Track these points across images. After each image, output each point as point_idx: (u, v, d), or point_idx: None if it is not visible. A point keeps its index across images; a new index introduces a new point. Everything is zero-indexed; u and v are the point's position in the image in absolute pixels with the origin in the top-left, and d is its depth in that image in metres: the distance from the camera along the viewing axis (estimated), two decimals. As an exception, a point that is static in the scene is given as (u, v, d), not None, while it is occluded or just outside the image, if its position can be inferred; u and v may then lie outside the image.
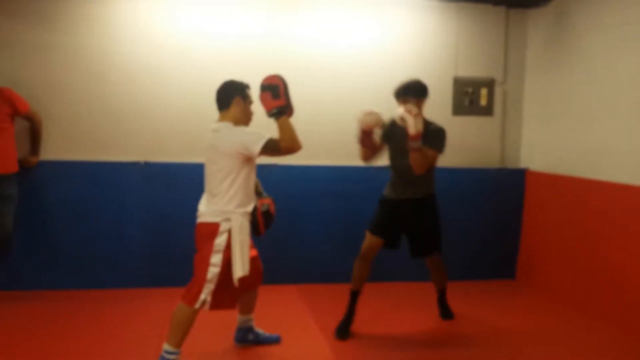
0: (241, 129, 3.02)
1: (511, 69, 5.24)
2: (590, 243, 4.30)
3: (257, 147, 2.91)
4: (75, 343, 3.47)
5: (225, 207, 2.97)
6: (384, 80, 4.93)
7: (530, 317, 4.22)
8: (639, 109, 3.92)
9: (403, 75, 4.94)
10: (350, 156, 4.60)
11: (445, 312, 4.16)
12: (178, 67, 4.60)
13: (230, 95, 3.08)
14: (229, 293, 3.08)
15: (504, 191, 5.17)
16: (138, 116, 4.61)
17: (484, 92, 5.16)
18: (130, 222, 4.57)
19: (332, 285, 4.69)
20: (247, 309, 3.43)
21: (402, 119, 3.47)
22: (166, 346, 2.96)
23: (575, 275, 4.44)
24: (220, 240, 2.96)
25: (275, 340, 3.52)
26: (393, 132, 3.73)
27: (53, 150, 4.46)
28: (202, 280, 2.94)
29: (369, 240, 3.78)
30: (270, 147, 2.92)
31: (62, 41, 4.43)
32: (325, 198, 4.84)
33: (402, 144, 3.60)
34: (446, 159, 5.08)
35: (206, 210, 3.02)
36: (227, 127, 3.01)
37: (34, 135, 4.36)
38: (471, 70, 5.13)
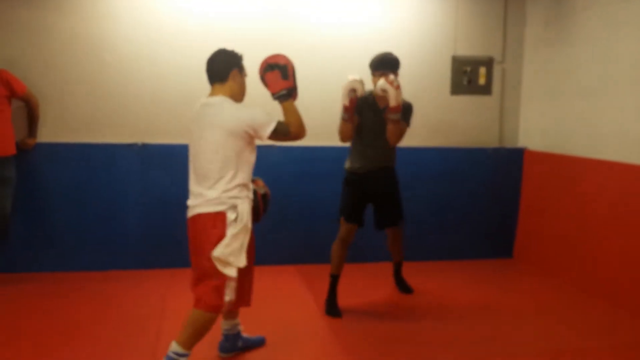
0: (248, 107, 2.72)
1: (510, 48, 5.21)
2: (587, 221, 4.32)
3: (268, 130, 2.66)
4: (73, 324, 3.49)
5: (230, 193, 2.65)
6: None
7: (528, 294, 4.26)
8: (637, 88, 3.91)
9: (402, 54, 4.94)
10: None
11: (403, 286, 4.25)
12: (175, 48, 4.57)
13: (228, 67, 2.75)
14: (245, 288, 2.87)
15: (503, 170, 5.17)
16: (134, 98, 4.59)
17: (482, 71, 5.14)
18: (127, 203, 4.58)
19: (329, 266, 4.70)
20: (234, 312, 3.05)
21: (384, 90, 3.45)
22: (177, 347, 2.67)
23: (572, 253, 4.47)
24: (227, 231, 2.63)
25: (261, 343, 3.21)
26: (363, 105, 3.71)
27: (50, 132, 4.45)
28: (223, 279, 2.65)
29: (347, 227, 3.80)
30: (280, 132, 2.69)
31: (58, 23, 4.40)
32: (325, 179, 4.84)
33: (375, 116, 3.67)
34: (445, 138, 5.11)
35: (204, 199, 2.65)
36: (228, 102, 2.70)
37: (31, 118, 4.34)
38: (470, 49, 5.10)
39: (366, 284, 4.42)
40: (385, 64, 3.68)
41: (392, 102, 3.43)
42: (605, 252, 4.11)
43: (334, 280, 3.82)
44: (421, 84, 5.01)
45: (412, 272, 4.73)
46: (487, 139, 5.23)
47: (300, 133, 2.79)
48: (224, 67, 2.76)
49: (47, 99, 4.40)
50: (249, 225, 2.73)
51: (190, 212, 2.71)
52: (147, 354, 3.09)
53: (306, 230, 4.85)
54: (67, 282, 4.27)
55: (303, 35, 4.75)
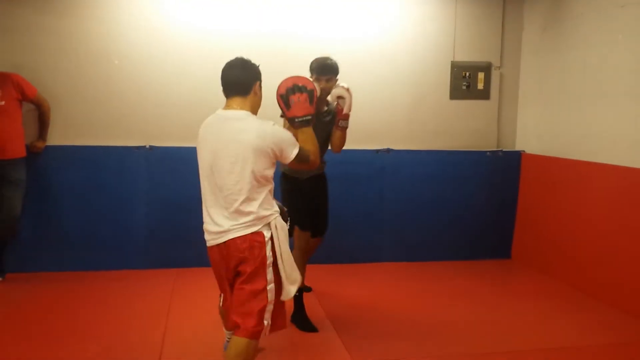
0: (275, 126, 2.48)
1: (508, 54, 5.31)
2: (583, 223, 4.41)
3: (293, 152, 2.50)
4: (81, 323, 3.57)
5: (263, 212, 2.46)
6: (383, 65, 5.02)
7: (525, 295, 4.34)
8: (633, 92, 4.00)
9: (403, 60, 5.06)
10: (354, 140, 4.71)
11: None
12: (183, 53, 4.67)
13: (252, 79, 2.54)
14: (280, 310, 2.62)
15: (500, 173, 5.26)
16: (143, 101, 4.67)
17: (481, 76, 5.24)
18: (135, 205, 4.67)
19: (332, 266, 4.80)
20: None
21: (341, 97, 3.38)
22: None
23: (568, 254, 4.55)
24: (268, 251, 2.47)
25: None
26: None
27: (59, 135, 4.54)
28: (264, 304, 2.46)
29: (305, 236, 3.63)
30: (300, 157, 2.53)
31: (68, 27, 4.50)
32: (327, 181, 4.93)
33: (317, 121, 3.35)
34: (444, 142, 5.20)
35: (236, 222, 2.43)
36: (253, 117, 2.50)
37: (42, 121, 4.44)
38: (468, 55, 5.20)
39: (362, 285, 4.49)
40: (332, 69, 3.52)
41: (347, 109, 3.40)
42: (601, 253, 4.20)
43: (300, 293, 3.61)
44: (421, 89, 5.12)
45: (410, 273, 4.81)
46: (485, 143, 5.32)
47: (316, 161, 2.65)
48: (248, 79, 2.53)
49: (57, 103, 4.50)
50: (286, 241, 2.56)
51: (220, 238, 2.46)
52: (153, 353, 3.15)
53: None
54: (75, 282, 4.34)
55: (302, 48, 4.67)
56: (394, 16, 5.02)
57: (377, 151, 5.01)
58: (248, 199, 2.43)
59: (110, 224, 4.66)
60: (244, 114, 2.48)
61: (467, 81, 5.22)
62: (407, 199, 5.09)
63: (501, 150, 5.30)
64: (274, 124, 2.48)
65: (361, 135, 4.90)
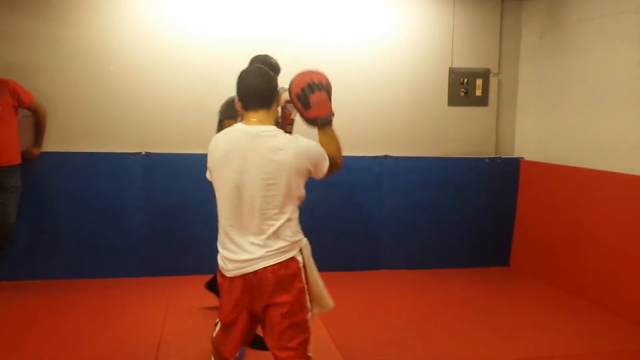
0: (306, 140, 2.25)
1: (506, 60, 5.31)
2: (582, 230, 4.40)
3: (325, 167, 2.30)
4: (76, 331, 3.54)
5: (296, 236, 2.27)
6: (381, 71, 5.01)
7: (524, 302, 4.32)
8: (632, 99, 3.99)
9: (401, 66, 5.05)
10: (352, 146, 4.69)
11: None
12: (179, 58, 4.65)
13: (275, 90, 2.32)
14: None
15: (499, 180, 5.25)
16: (138, 107, 4.66)
17: (479, 82, 5.23)
18: (131, 212, 4.64)
19: (329, 274, 4.75)
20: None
21: (289, 101, 3.14)
22: None
23: (567, 261, 4.53)
24: (303, 279, 2.28)
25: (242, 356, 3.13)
26: None
27: (55, 141, 4.52)
28: (307, 336, 2.27)
29: None
30: (330, 167, 2.33)
31: (65, 33, 4.48)
32: (325, 188, 4.90)
33: None
34: (442, 149, 5.19)
35: (269, 248, 2.20)
36: (284, 134, 2.25)
37: (38, 127, 4.41)
38: (466, 62, 5.20)
39: (359, 292, 4.47)
40: (278, 68, 3.29)
41: (294, 115, 3.13)
42: (600, 260, 4.18)
43: None
44: (419, 95, 5.11)
45: (409, 280, 4.79)
46: (483, 149, 5.31)
47: (341, 162, 2.43)
48: (272, 90, 2.30)
49: (53, 109, 4.47)
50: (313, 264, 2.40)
51: (249, 267, 2.20)
52: (149, 360, 3.13)
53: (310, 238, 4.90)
54: (70, 290, 4.31)
55: (300, 53, 4.69)
56: (391, 22, 5.02)
57: (375, 158, 4.99)
58: (286, 223, 2.21)
59: (105, 231, 4.63)
60: (274, 129, 2.23)
61: (465, 88, 5.21)
62: (405, 206, 5.07)
63: (500, 157, 5.28)
64: (303, 138, 2.25)
65: (358, 141, 4.89)
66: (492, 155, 5.31)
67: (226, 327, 2.34)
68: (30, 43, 4.43)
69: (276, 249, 2.20)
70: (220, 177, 2.24)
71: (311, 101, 2.33)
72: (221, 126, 3.23)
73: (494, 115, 5.33)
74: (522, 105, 5.34)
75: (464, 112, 5.25)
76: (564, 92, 4.71)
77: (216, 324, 2.46)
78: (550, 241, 4.77)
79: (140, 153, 4.61)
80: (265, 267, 2.19)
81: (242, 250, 2.20)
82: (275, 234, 2.20)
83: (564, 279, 4.56)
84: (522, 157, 5.27)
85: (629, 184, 3.95)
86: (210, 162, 2.29)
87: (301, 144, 2.21)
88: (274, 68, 3.33)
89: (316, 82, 2.36)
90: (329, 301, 2.43)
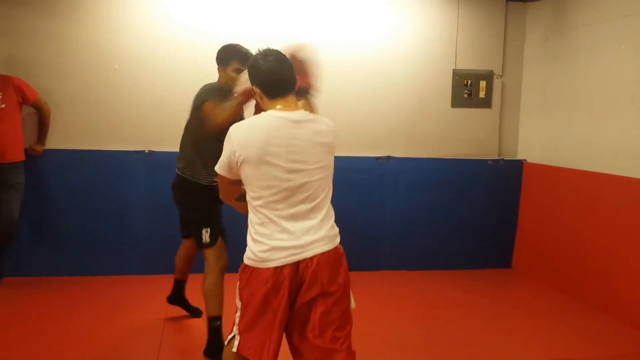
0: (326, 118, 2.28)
1: (510, 62, 5.31)
2: (585, 233, 4.39)
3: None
4: (78, 328, 3.55)
5: (333, 220, 2.27)
6: (384, 73, 5.01)
7: (526, 305, 4.32)
8: (636, 102, 3.99)
9: (405, 68, 5.04)
10: (355, 147, 4.70)
11: (190, 307, 3.79)
12: (183, 57, 4.65)
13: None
14: None
15: (502, 182, 5.24)
16: (142, 105, 4.66)
17: (482, 84, 5.23)
18: (134, 210, 4.65)
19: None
20: None
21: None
22: None
23: (570, 264, 4.53)
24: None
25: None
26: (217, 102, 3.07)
27: (59, 139, 4.53)
28: (351, 325, 2.24)
29: (223, 249, 3.23)
30: None
31: (70, 32, 4.50)
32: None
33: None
34: (445, 150, 5.19)
35: (323, 232, 2.18)
36: (317, 116, 2.27)
37: (42, 124, 4.43)
38: (470, 63, 5.19)
39: (360, 293, 4.44)
40: (247, 56, 3.06)
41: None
42: (604, 263, 4.17)
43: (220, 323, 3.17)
44: (423, 96, 5.11)
45: (411, 281, 4.79)
46: (486, 151, 5.31)
47: None
48: (294, 74, 2.25)
49: (58, 106, 4.49)
50: None
51: (303, 253, 2.12)
52: (150, 359, 3.14)
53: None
54: (73, 287, 4.33)
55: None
56: (395, 24, 5.02)
57: (378, 158, 4.99)
58: (327, 209, 2.23)
59: (108, 229, 4.64)
60: (310, 113, 2.22)
61: (469, 89, 5.21)
62: (408, 207, 5.07)
63: (502, 159, 5.28)
64: (327, 119, 2.27)
65: (361, 142, 4.89)
66: (495, 157, 5.30)
67: (259, 330, 2.12)
68: (36, 40, 4.45)
69: (331, 234, 2.20)
70: (263, 166, 2.09)
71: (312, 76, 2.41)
72: (200, 110, 3.10)
73: (497, 117, 5.32)
74: (525, 108, 5.33)
75: (467, 114, 5.24)
76: (568, 95, 4.70)
77: (230, 339, 2.22)
78: (552, 244, 4.76)
79: (144, 151, 4.62)
80: (322, 253, 2.14)
81: (296, 237, 2.11)
82: (326, 218, 2.19)
83: (566, 282, 4.55)
84: (525, 160, 5.27)
85: (633, 188, 3.94)
86: (243, 152, 2.09)
87: (332, 126, 2.25)
88: (249, 57, 2.98)
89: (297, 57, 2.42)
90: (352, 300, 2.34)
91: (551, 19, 4.94)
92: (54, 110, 4.47)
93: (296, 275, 2.11)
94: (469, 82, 5.20)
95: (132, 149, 4.63)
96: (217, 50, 3.32)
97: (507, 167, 5.25)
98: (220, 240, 3.19)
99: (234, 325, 2.20)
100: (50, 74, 4.49)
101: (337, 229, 2.26)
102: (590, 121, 4.43)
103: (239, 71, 3.12)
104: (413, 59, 5.06)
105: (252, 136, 2.10)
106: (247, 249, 2.18)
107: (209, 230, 3.16)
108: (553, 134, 4.91)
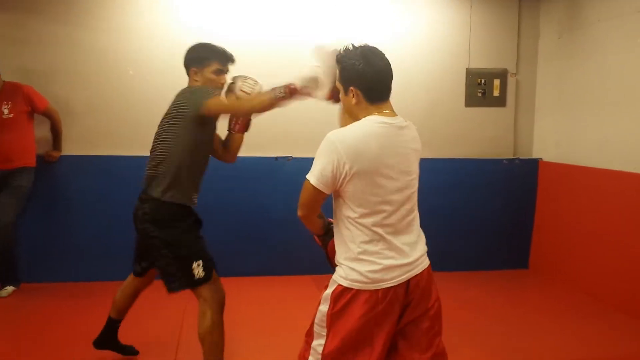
0: None
1: (524, 60, 5.26)
2: (602, 232, 4.33)
3: None
4: (95, 333, 3.49)
5: None
6: (396, 73, 4.97)
7: (543, 306, 4.27)
8: (652, 99, 3.94)
9: (418, 67, 5.02)
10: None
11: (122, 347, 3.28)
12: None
13: None
14: None
15: (517, 181, 5.20)
16: (157, 111, 4.59)
17: (496, 83, 5.19)
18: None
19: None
20: None
21: (247, 93, 2.77)
22: None
23: (587, 264, 4.47)
24: None
25: None
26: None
27: (75, 145, 4.56)
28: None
29: (218, 281, 2.93)
30: None
31: (84, 38, 4.52)
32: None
33: (212, 127, 2.90)
34: (460, 149, 5.15)
35: (422, 247, 2.10)
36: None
37: (54, 132, 4.45)
38: (484, 62, 5.16)
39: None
40: (226, 56, 2.89)
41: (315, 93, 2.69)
42: (621, 263, 4.12)
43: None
44: (436, 96, 5.08)
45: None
46: (501, 150, 5.26)
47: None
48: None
49: (73, 113, 4.52)
50: None
51: (414, 269, 2.00)
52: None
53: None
54: (87, 292, 4.34)
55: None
56: (408, 23, 5.00)
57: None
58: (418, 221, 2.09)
59: (123, 235, 4.60)
60: (404, 120, 2.04)
61: (483, 88, 5.17)
62: (422, 208, 4.91)
63: (518, 158, 5.23)
64: None
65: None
66: (510, 157, 5.26)
67: (356, 356, 1.95)
68: (50, 47, 4.48)
69: (425, 249, 2.09)
70: (377, 178, 1.91)
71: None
72: (202, 109, 2.80)
73: (512, 116, 5.28)
74: (540, 106, 5.28)
75: (481, 113, 5.20)
76: (583, 92, 4.65)
77: None
78: (570, 243, 4.71)
79: (158, 156, 4.63)
80: (428, 266, 2.06)
81: (404, 254, 1.97)
82: (419, 229, 2.09)
83: (584, 282, 4.50)
84: (540, 158, 5.22)
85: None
86: (355, 164, 1.87)
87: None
88: (229, 57, 2.94)
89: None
90: None
91: (565, 15, 4.89)
92: (69, 117, 4.49)
93: (406, 294, 1.98)
94: (483, 81, 5.16)
95: (147, 155, 4.62)
96: (186, 51, 3.00)
97: (523, 166, 5.21)
98: (213, 270, 2.79)
99: (308, 349, 2.03)
100: (65, 80, 4.52)
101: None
102: (606, 118, 4.38)
103: (219, 72, 2.83)
104: (426, 58, 5.03)
105: (367, 145, 1.88)
106: (342, 270, 1.96)
107: (200, 263, 2.72)
108: (569, 132, 4.85)
